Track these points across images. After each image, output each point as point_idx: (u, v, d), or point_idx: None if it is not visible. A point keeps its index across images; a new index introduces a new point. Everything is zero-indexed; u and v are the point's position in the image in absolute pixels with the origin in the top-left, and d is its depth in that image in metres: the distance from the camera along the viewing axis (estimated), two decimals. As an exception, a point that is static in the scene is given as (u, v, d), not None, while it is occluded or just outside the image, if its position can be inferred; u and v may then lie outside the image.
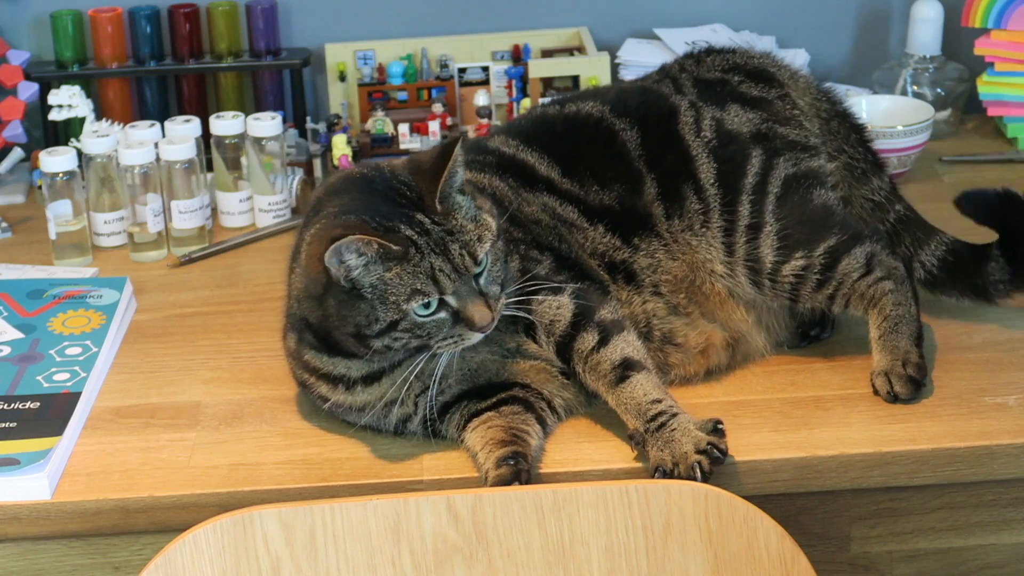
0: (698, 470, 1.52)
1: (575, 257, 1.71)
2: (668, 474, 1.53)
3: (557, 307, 1.64)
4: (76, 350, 1.81)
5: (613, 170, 1.76)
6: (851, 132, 1.89)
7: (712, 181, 1.75)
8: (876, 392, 1.69)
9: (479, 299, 1.54)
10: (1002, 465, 1.62)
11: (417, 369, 1.57)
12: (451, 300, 1.53)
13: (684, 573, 1.47)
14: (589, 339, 1.62)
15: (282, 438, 1.67)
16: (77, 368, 1.77)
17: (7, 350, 1.82)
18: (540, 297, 1.63)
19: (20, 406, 1.70)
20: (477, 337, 1.55)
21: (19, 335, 1.85)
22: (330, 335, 1.57)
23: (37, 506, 1.58)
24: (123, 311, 1.91)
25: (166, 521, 1.58)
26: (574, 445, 1.63)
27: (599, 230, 1.74)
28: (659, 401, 1.58)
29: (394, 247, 1.50)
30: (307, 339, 1.62)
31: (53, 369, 1.77)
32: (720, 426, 1.55)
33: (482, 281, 1.55)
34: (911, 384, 1.68)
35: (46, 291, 1.94)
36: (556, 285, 1.65)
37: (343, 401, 1.64)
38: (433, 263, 1.51)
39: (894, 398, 1.68)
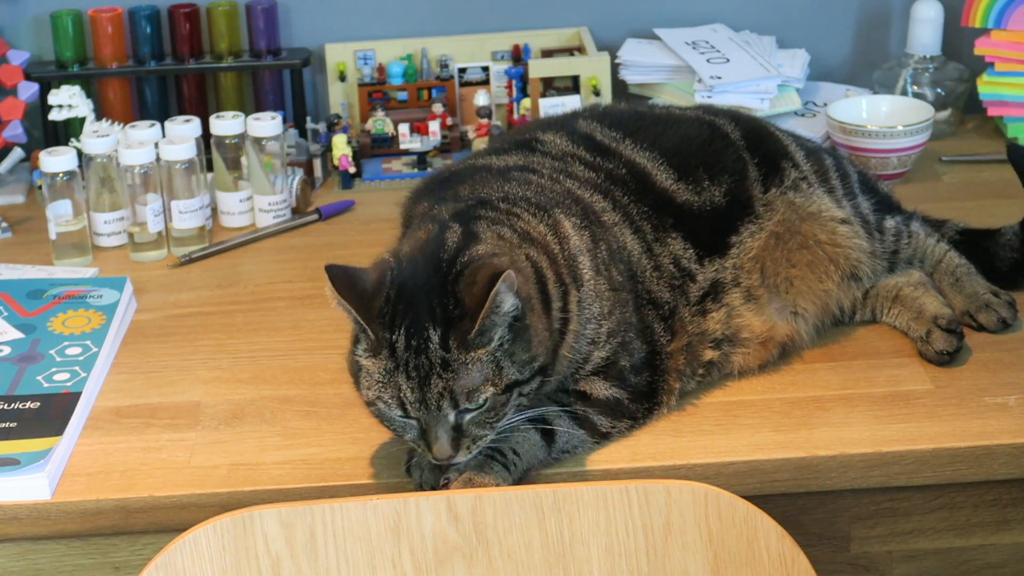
0: None
1: (662, 350, 1.68)
2: None
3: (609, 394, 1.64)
4: (76, 350, 1.81)
5: (722, 161, 1.80)
6: None
7: (804, 159, 1.84)
8: (982, 328, 1.80)
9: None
10: (1002, 465, 1.62)
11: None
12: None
13: (684, 573, 1.47)
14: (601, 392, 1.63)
15: (282, 438, 1.67)
16: (77, 368, 1.77)
17: (7, 350, 1.82)
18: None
19: (20, 406, 1.70)
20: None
21: (19, 335, 1.85)
22: None
23: (37, 506, 1.58)
24: (123, 311, 1.91)
25: (166, 521, 1.58)
26: (574, 445, 1.63)
27: (706, 271, 1.74)
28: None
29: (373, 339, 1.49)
30: None
31: (53, 369, 1.77)
32: None
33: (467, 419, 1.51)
34: (1011, 308, 1.82)
35: (46, 291, 1.94)
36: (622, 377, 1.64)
37: None
38: (401, 384, 1.48)
39: (1004, 324, 1.81)
